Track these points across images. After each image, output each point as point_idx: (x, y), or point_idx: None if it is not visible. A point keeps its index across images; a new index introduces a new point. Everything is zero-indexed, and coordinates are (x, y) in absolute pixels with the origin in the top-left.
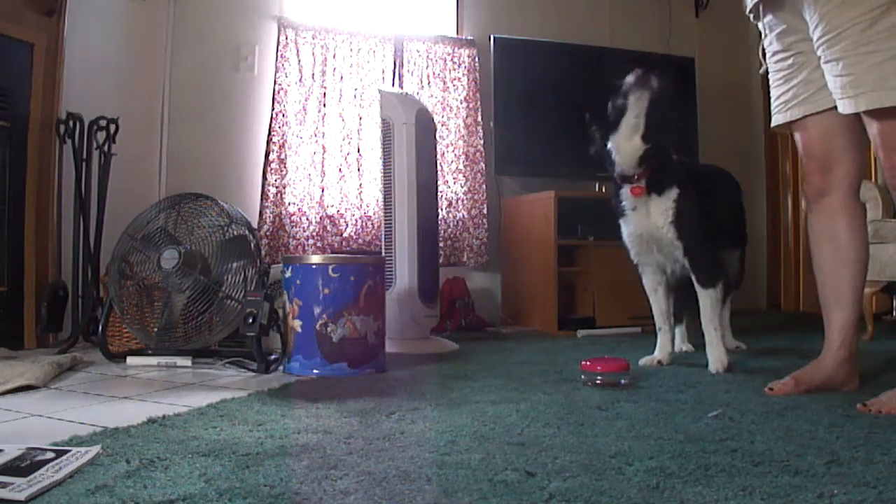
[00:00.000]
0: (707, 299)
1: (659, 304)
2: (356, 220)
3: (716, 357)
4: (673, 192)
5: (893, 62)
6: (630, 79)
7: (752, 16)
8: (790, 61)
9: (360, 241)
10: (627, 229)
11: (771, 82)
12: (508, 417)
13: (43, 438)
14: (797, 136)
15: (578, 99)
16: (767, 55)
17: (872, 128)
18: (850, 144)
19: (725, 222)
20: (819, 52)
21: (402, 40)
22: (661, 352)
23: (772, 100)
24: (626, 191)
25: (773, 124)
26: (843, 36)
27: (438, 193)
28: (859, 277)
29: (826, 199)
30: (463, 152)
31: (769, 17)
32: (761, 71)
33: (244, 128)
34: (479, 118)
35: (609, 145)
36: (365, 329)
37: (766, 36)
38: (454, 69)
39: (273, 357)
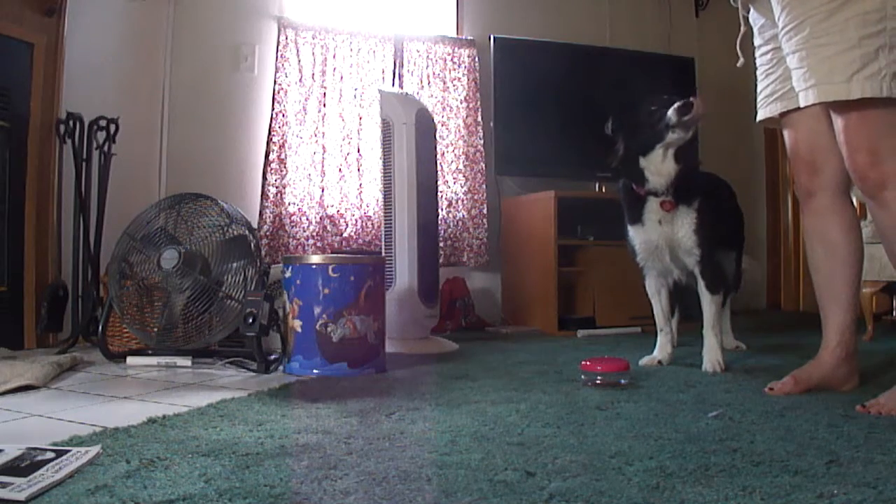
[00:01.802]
0: (713, 305)
1: (661, 305)
2: (356, 220)
3: (713, 358)
4: (696, 203)
5: (843, 56)
6: (673, 110)
7: (738, 6)
8: (769, 55)
9: (360, 241)
10: (644, 237)
11: (757, 76)
12: (508, 417)
13: (43, 438)
14: (785, 135)
15: (578, 99)
16: (755, 49)
17: (837, 124)
18: (836, 144)
19: (725, 228)
20: (783, 43)
21: (402, 40)
22: (661, 352)
23: (757, 94)
24: (653, 204)
25: (757, 119)
26: (801, 27)
27: (438, 193)
28: (854, 277)
29: (815, 200)
30: (463, 152)
31: (752, 11)
32: (738, 63)
33: (244, 128)
34: (479, 118)
35: (641, 164)
36: (365, 329)
37: (753, 30)
38: (454, 69)
39: (273, 357)
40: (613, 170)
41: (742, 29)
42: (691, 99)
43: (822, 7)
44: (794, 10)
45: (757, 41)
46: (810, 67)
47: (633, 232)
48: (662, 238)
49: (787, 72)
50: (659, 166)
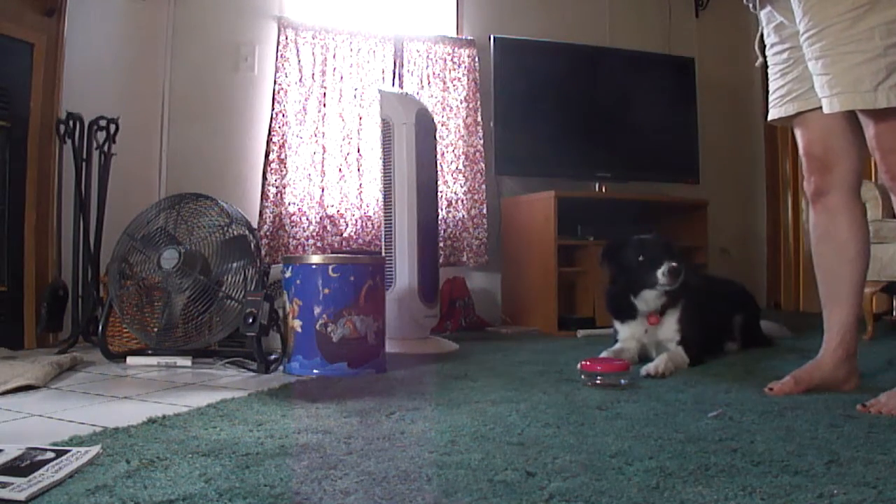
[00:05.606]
0: (682, 357)
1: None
2: (356, 220)
3: (659, 364)
4: (678, 309)
5: (870, 65)
6: (663, 275)
7: (750, 5)
8: (785, 55)
9: (360, 241)
10: (630, 332)
11: (769, 75)
12: (508, 417)
13: (43, 438)
14: (797, 134)
15: (578, 99)
16: (766, 47)
17: (869, 129)
18: (850, 144)
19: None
20: (804, 48)
21: (402, 40)
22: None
23: (769, 93)
24: (643, 318)
25: (769, 118)
26: (824, 33)
27: (438, 193)
28: (859, 277)
29: (826, 199)
30: (463, 152)
31: (767, 9)
32: (757, 63)
33: (244, 128)
34: (479, 118)
35: (632, 299)
36: (365, 329)
37: (764, 27)
38: (454, 69)
39: (273, 357)
40: (608, 295)
41: (760, 28)
42: (678, 266)
43: (847, 14)
44: (817, 16)
45: (771, 39)
46: (835, 76)
47: (618, 325)
48: (649, 338)
49: (805, 72)
50: (648, 301)
